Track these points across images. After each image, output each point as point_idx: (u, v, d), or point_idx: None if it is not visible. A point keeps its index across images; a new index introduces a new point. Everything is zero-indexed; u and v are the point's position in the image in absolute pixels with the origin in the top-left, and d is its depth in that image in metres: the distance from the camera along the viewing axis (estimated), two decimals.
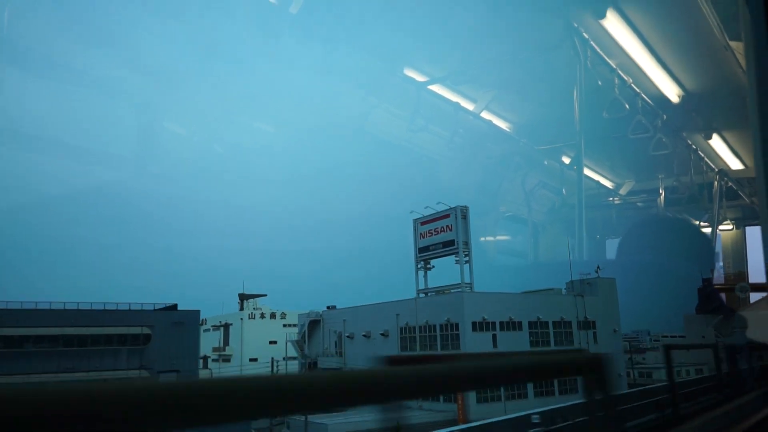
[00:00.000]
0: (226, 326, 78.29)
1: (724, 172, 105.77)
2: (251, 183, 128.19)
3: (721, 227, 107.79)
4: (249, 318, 73.90)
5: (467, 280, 56.73)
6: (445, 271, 60.24)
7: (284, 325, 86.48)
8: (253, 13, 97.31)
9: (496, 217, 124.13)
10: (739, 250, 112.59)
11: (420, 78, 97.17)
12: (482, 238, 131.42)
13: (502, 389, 46.07)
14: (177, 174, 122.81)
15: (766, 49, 7.79)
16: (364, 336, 63.08)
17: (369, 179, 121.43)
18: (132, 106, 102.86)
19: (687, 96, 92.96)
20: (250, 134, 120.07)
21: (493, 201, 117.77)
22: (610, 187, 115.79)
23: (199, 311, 66.36)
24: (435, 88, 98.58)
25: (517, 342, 53.93)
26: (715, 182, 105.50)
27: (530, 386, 49.94)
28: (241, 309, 75.47)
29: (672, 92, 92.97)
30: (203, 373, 61.12)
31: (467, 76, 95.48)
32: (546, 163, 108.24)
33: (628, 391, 46.24)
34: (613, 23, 76.75)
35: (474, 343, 52.65)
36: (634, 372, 78.45)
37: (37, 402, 1.28)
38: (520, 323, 55.65)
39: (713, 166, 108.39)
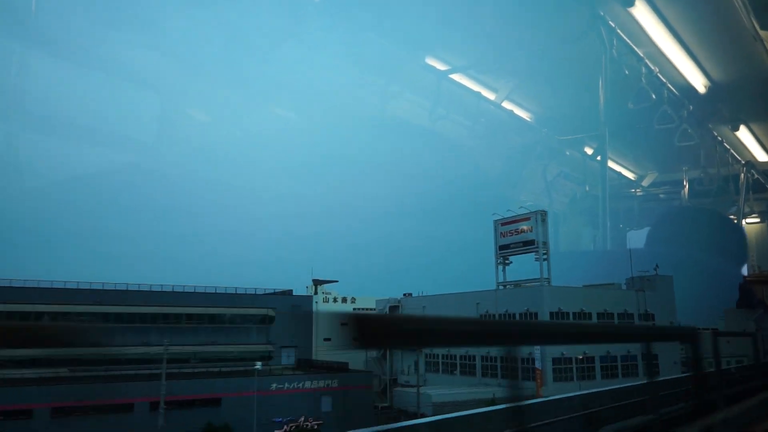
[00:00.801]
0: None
1: (752, 164, 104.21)
2: (310, 175, 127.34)
3: (747, 220, 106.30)
4: (323, 302, 79.10)
5: (545, 275, 60.61)
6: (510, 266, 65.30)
7: (354, 309, 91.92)
8: (281, 1, 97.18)
9: (517, 208, 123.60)
10: (765, 244, 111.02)
11: (442, 67, 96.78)
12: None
13: (574, 369, 54.41)
14: (252, 168, 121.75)
15: None
16: None
17: (418, 172, 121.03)
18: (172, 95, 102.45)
19: (714, 86, 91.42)
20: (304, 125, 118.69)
21: (514, 190, 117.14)
22: (633, 179, 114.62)
23: (312, 296, 76.70)
24: (456, 77, 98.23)
25: None
26: (742, 174, 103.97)
27: (598, 369, 56.02)
28: (315, 293, 79.08)
29: (699, 82, 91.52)
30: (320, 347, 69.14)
31: (489, 65, 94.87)
32: (568, 153, 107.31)
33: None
34: (642, 11, 75.64)
35: None
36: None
37: None
38: (589, 314, 59.70)
39: (740, 159, 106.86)
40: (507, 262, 64.60)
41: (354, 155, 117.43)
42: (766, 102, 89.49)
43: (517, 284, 64.87)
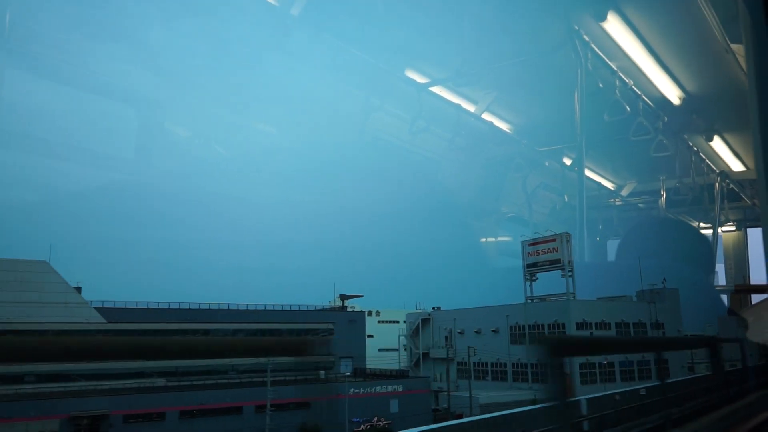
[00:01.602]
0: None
1: (726, 173, 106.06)
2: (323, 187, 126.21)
3: (723, 229, 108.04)
4: None
5: (571, 290, 67.25)
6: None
7: (379, 322, 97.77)
8: (262, 14, 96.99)
9: (497, 217, 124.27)
10: (740, 252, 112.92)
11: (421, 79, 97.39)
12: (482, 239, 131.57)
13: (597, 373, 60.79)
14: (269, 177, 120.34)
15: (767, 51, 7.94)
16: (476, 332, 75.53)
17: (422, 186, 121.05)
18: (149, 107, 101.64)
19: (688, 98, 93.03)
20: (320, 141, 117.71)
21: (495, 202, 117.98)
22: (612, 189, 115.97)
23: (364, 312, 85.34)
24: (436, 89, 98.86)
25: None
26: (717, 184, 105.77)
27: (618, 373, 62.88)
28: (342, 307, 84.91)
29: (673, 94, 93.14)
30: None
31: (468, 78, 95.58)
32: (547, 164, 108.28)
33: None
34: (614, 26, 76.88)
35: None
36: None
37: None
38: (609, 324, 66.31)
39: (714, 168, 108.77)
40: (534, 278, 71.44)
41: (350, 164, 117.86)
42: (739, 113, 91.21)
43: (542, 298, 70.95)
